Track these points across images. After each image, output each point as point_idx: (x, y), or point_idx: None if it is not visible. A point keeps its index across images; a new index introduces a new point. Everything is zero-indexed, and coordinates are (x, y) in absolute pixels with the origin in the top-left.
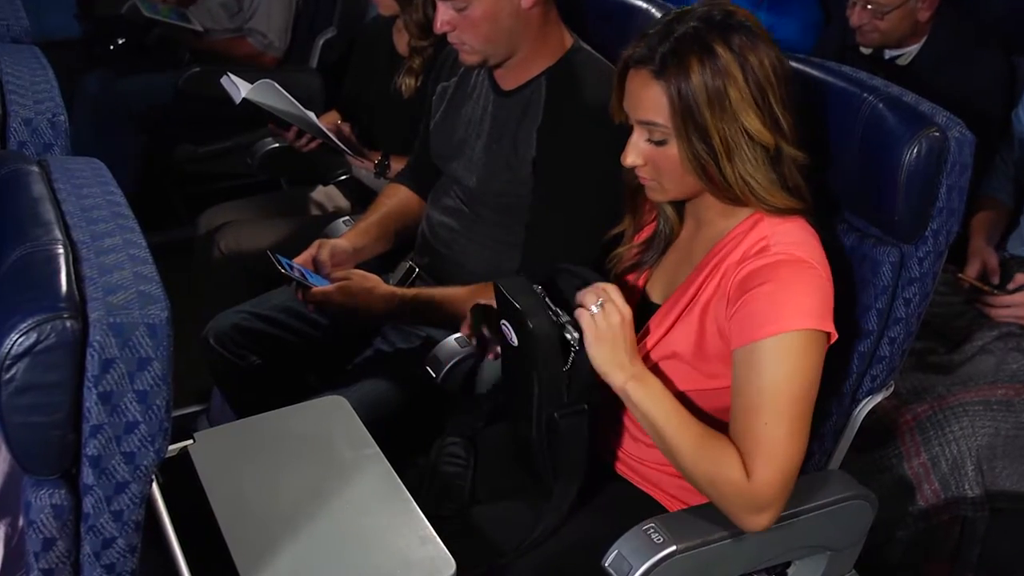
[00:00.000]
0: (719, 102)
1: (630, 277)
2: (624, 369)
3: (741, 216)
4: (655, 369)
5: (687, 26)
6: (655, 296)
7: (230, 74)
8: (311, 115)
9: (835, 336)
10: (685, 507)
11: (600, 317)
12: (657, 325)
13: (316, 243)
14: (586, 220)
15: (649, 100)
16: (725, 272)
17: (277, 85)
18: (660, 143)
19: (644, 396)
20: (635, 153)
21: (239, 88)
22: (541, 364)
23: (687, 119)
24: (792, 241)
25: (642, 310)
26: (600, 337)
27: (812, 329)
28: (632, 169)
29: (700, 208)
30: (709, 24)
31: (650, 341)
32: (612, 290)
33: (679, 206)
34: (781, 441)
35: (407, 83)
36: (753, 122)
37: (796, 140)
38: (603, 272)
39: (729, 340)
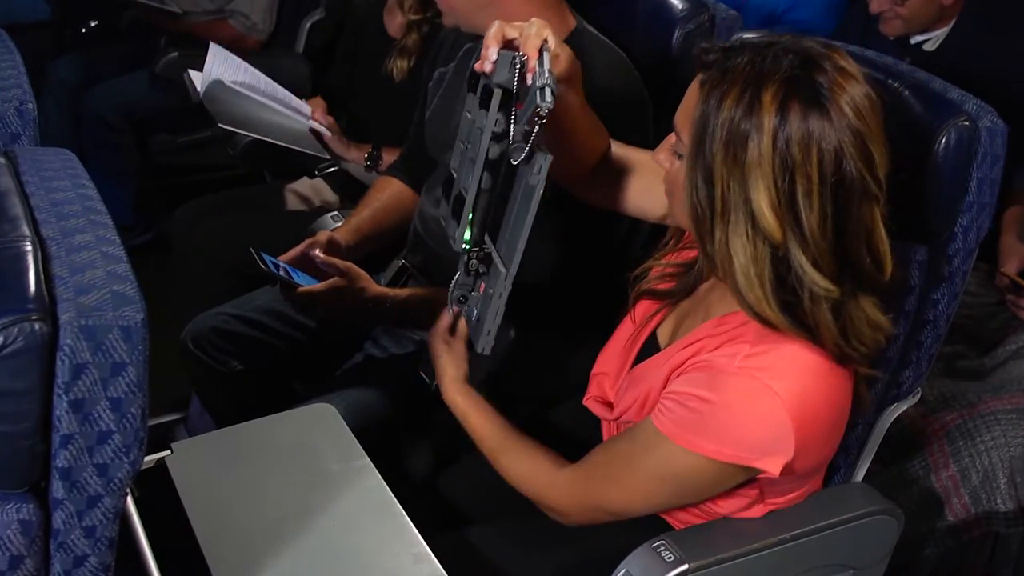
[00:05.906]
0: (734, 149)
1: (649, 303)
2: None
3: None
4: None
5: (765, 55)
6: (661, 337)
7: (190, 71)
8: (297, 103)
9: (771, 473)
10: (693, 524)
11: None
12: (649, 372)
13: (307, 241)
14: (590, 217)
15: (686, 105)
16: (702, 347)
17: (230, 84)
18: (680, 156)
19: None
20: (662, 154)
21: (197, 87)
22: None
23: (700, 147)
24: (770, 367)
25: (647, 347)
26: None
27: (722, 462)
28: None
29: None
30: (790, 69)
31: (639, 389)
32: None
33: None
34: (612, 499)
35: (399, 65)
36: (760, 196)
37: (820, 257)
38: (622, 280)
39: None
